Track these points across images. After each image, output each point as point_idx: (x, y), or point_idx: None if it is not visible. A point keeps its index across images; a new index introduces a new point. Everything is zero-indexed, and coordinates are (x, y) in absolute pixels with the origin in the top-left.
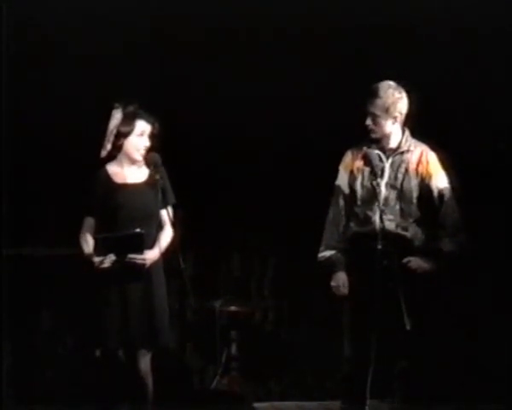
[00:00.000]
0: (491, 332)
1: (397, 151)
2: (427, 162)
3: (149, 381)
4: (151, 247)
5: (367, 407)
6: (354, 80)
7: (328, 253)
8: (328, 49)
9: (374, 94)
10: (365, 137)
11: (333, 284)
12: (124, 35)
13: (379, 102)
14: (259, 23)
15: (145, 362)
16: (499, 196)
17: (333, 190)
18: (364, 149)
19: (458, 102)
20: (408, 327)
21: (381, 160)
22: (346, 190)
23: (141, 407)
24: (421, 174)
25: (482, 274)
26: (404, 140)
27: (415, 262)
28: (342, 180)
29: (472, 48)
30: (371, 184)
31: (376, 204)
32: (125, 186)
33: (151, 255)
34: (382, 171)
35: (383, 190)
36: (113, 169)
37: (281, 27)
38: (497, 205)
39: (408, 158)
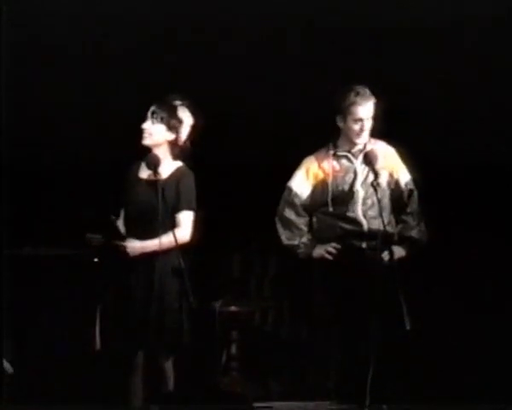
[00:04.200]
0: (490, 332)
1: (363, 150)
2: (392, 158)
3: (168, 377)
4: None
5: (367, 408)
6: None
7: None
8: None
9: (364, 99)
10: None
11: (323, 254)
12: (124, 33)
13: (369, 106)
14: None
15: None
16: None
17: (285, 190)
18: (331, 154)
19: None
20: (408, 327)
21: (350, 161)
22: (304, 195)
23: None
24: (388, 169)
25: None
26: (367, 139)
27: (393, 249)
28: (300, 188)
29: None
30: (372, 184)
31: (357, 205)
32: (142, 181)
33: (132, 244)
34: (355, 172)
35: (360, 190)
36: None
37: (281, 28)
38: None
39: (374, 156)
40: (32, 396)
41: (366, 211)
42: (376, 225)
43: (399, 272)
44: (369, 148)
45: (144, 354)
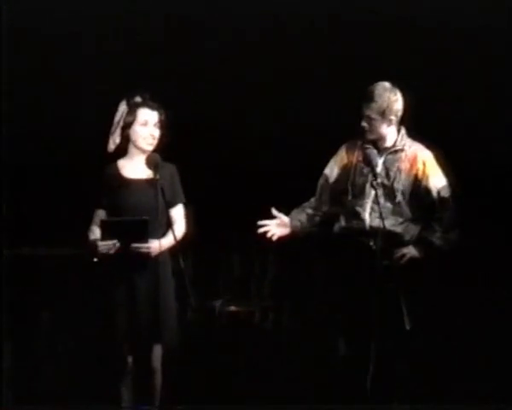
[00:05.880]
0: (490, 332)
1: (390, 150)
2: (424, 163)
3: (158, 378)
4: None
5: (367, 408)
6: (353, 80)
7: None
8: (328, 48)
9: (369, 97)
10: (361, 135)
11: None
12: (124, 32)
13: (374, 105)
14: (259, 21)
15: (156, 358)
16: (495, 195)
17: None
18: (359, 145)
19: (455, 100)
20: (408, 327)
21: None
22: (332, 180)
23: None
24: (416, 175)
25: (481, 273)
26: (399, 139)
27: (405, 249)
28: (330, 171)
29: (470, 47)
30: (371, 184)
31: (367, 201)
32: (133, 181)
33: (156, 245)
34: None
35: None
36: (123, 163)
37: (281, 26)
38: (492, 202)
39: (401, 157)
40: (32, 396)
41: (374, 208)
42: (381, 224)
43: (399, 273)
44: (397, 147)
45: (144, 354)
